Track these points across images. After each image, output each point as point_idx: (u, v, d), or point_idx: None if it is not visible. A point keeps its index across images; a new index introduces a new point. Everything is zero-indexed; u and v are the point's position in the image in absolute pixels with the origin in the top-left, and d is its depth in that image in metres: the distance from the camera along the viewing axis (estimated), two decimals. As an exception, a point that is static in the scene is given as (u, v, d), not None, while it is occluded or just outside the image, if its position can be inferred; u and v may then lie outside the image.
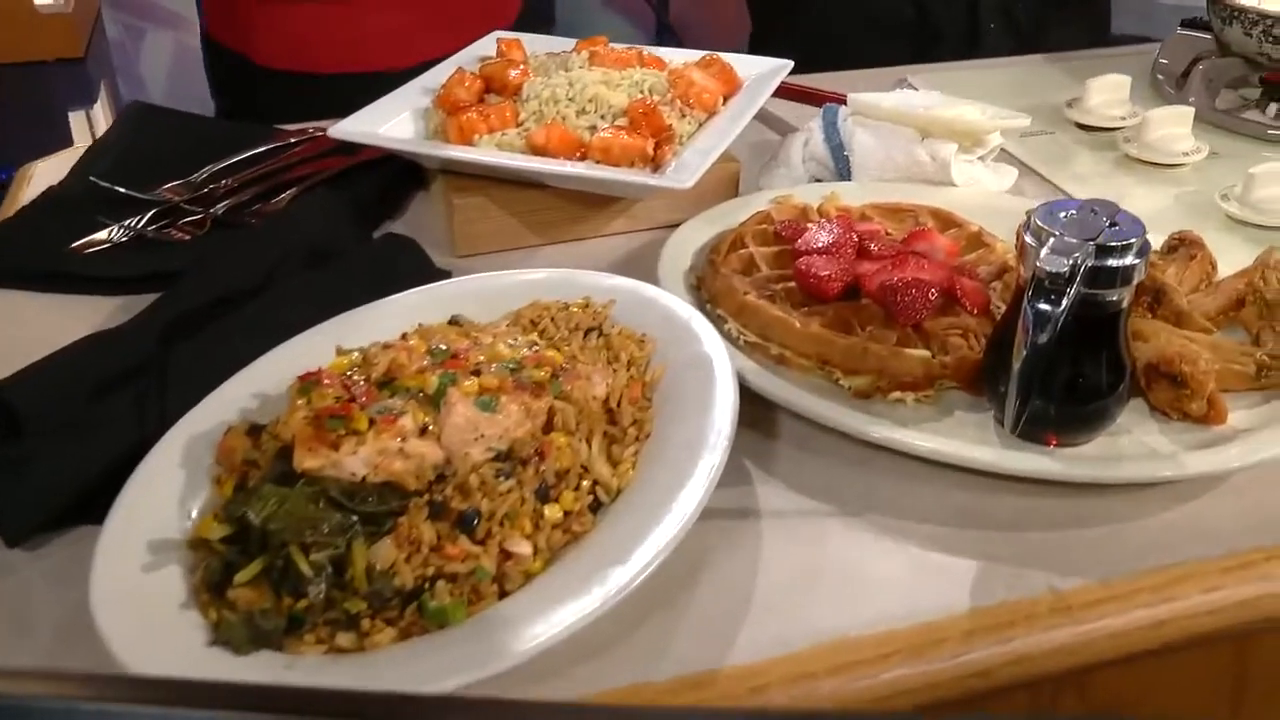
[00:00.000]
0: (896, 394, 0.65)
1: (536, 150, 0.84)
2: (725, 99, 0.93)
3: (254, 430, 0.58)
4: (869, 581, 0.55)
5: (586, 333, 0.65)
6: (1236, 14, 1.04)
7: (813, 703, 0.50)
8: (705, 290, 0.74)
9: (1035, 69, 1.25)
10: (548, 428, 0.56)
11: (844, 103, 0.93)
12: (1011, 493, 0.60)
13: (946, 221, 0.81)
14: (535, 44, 1.01)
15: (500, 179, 0.84)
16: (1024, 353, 0.56)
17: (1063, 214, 0.58)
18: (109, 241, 0.82)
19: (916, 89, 1.10)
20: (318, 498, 0.52)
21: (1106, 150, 1.03)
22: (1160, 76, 1.17)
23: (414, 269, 0.77)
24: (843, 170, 0.90)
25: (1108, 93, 1.07)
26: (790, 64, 0.99)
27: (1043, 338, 0.56)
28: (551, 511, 0.53)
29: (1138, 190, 0.96)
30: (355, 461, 0.52)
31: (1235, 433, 0.62)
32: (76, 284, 0.78)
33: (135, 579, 0.51)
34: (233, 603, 0.50)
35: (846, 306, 0.70)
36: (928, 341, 0.67)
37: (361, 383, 0.56)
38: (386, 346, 0.58)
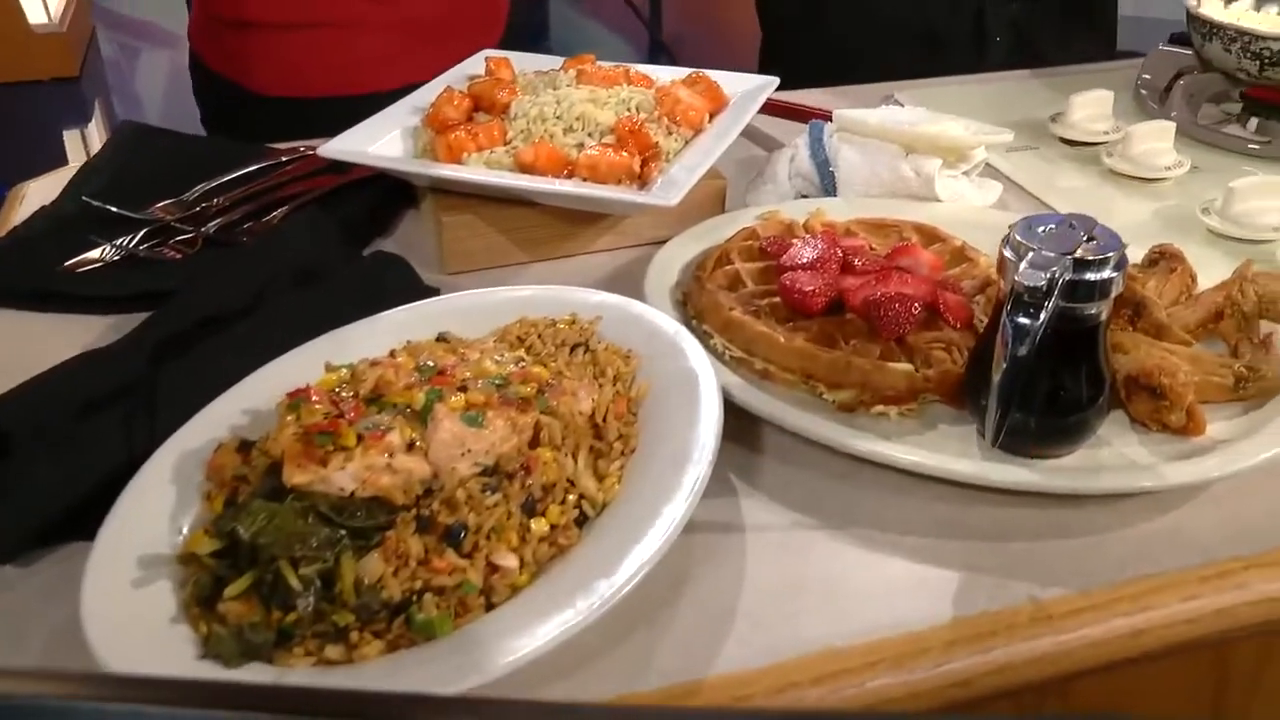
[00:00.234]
0: (880, 408, 0.65)
1: (524, 168, 0.85)
2: (711, 116, 0.94)
3: (244, 446, 0.58)
4: (853, 593, 0.56)
5: (573, 348, 0.66)
6: (1215, 30, 1.05)
7: (797, 713, 0.50)
8: (691, 306, 0.75)
9: (1020, 84, 1.26)
10: (534, 443, 0.57)
11: (830, 119, 0.94)
12: (993, 504, 0.61)
13: (930, 236, 0.82)
14: (523, 62, 1.02)
15: (489, 197, 0.85)
16: (1004, 366, 0.57)
17: (1041, 229, 0.59)
18: (101, 260, 0.83)
19: (902, 105, 1.11)
20: (307, 512, 0.52)
21: (1090, 165, 1.04)
22: (1143, 91, 1.18)
23: (403, 286, 0.78)
24: (828, 186, 0.91)
25: (1091, 108, 1.08)
26: (776, 80, 1.00)
27: (1022, 351, 0.56)
28: (538, 525, 0.54)
29: (1120, 204, 0.97)
30: (343, 476, 0.53)
31: (1214, 444, 0.63)
32: (68, 303, 0.79)
33: (126, 594, 0.52)
34: (223, 616, 0.50)
35: (830, 321, 0.70)
36: (911, 355, 0.68)
37: (350, 399, 0.56)
38: (375, 363, 0.59)
